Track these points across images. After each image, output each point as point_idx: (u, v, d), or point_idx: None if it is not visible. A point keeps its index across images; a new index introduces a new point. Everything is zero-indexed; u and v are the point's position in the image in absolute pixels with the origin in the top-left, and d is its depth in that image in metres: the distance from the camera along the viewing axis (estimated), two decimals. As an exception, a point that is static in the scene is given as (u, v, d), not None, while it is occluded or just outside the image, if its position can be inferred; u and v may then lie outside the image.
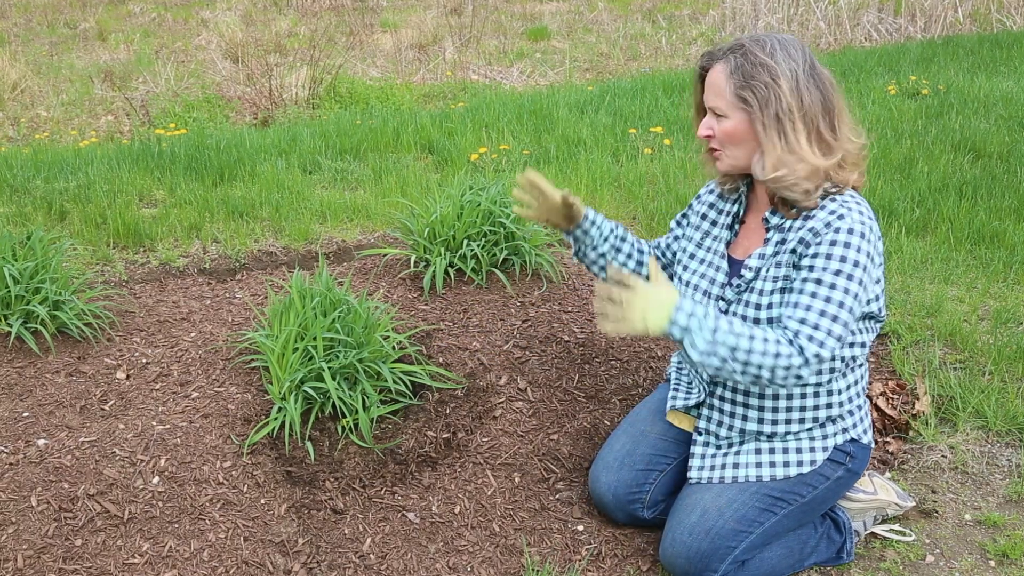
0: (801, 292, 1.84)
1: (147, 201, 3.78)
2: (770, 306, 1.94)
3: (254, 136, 4.90)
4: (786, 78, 1.85)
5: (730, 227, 2.10)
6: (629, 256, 2.26)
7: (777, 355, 1.79)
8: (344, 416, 2.33)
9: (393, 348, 2.49)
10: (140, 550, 1.97)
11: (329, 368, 2.29)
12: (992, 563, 2.12)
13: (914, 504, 2.27)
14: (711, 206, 2.14)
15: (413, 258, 3.01)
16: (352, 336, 2.37)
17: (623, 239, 2.25)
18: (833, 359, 1.92)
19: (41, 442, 2.20)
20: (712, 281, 2.07)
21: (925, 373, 2.74)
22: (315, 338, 2.31)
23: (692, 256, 2.14)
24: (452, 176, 4.05)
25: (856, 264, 1.83)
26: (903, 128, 4.87)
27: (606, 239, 2.23)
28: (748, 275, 2.00)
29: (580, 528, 2.18)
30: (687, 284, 2.11)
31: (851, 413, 2.04)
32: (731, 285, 2.03)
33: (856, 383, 2.04)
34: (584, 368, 2.63)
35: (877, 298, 1.94)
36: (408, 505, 2.19)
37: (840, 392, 2.00)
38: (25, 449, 2.18)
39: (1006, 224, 3.58)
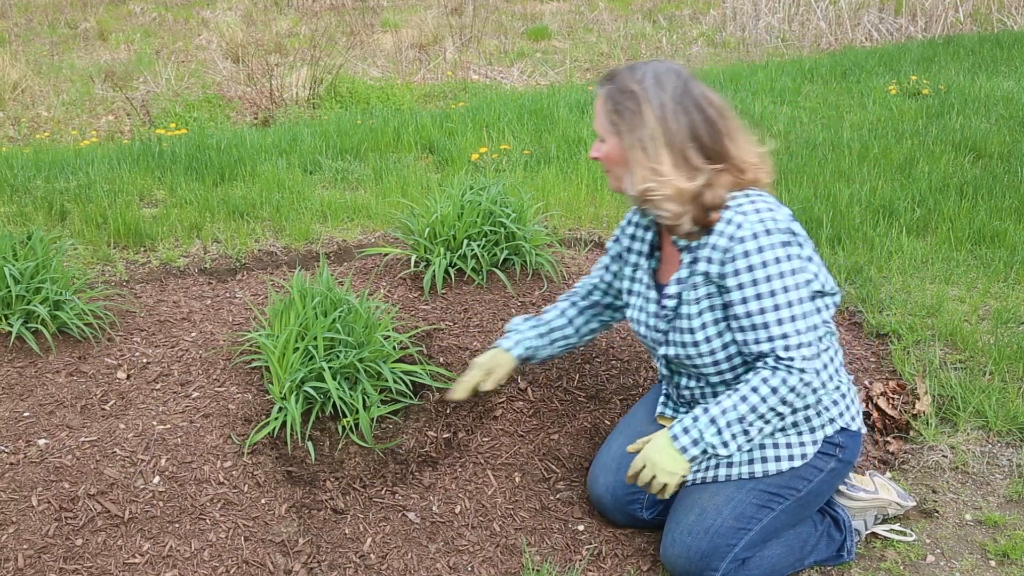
0: (749, 315, 1.87)
1: (148, 201, 3.78)
2: (703, 326, 1.96)
3: (255, 136, 4.90)
4: (651, 105, 1.89)
5: (649, 255, 2.12)
6: (576, 342, 2.36)
7: (774, 390, 1.85)
8: (344, 416, 2.33)
9: (394, 348, 2.49)
10: (141, 550, 1.97)
11: (330, 368, 2.29)
12: (992, 563, 2.12)
13: (915, 504, 2.27)
14: (632, 238, 2.17)
15: (413, 258, 3.01)
16: (353, 336, 2.37)
17: (565, 338, 2.33)
18: (823, 347, 1.97)
19: (42, 442, 2.20)
20: (647, 312, 2.10)
21: (926, 373, 2.74)
22: (316, 338, 2.31)
23: (629, 292, 2.17)
24: (453, 176, 4.05)
25: (778, 261, 1.85)
26: (904, 128, 4.87)
27: (552, 355, 2.36)
28: (670, 303, 2.03)
29: (581, 528, 2.18)
30: (631, 320, 2.16)
31: (835, 403, 2.03)
32: (659, 315, 2.06)
33: (825, 367, 2.00)
34: (584, 368, 2.63)
35: (815, 276, 1.95)
36: (408, 505, 2.19)
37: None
38: (26, 449, 2.18)
39: (1007, 224, 3.58)
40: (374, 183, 4.05)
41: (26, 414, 2.30)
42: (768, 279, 1.84)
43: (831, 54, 7.48)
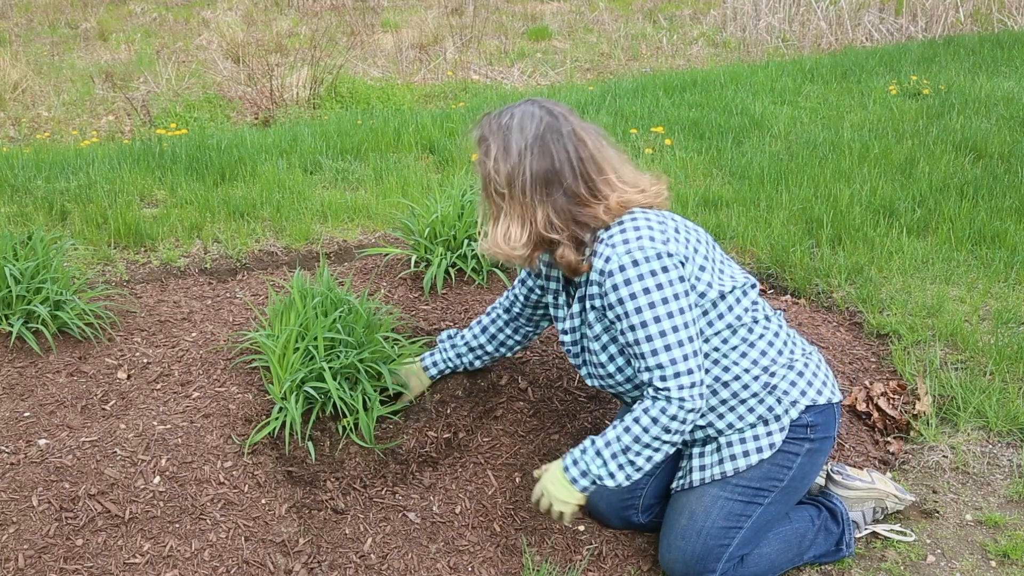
0: (629, 345, 1.88)
1: (148, 201, 3.78)
2: (612, 358, 1.97)
3: (255, 136, 4.91)
4: (509, 153, 1.88)
5: (566, 284, 2.13)
6: (502, 355, 2.45)
7: (655, 420, 1.85)
8: (345, 416, 2.33)
9: (394, 348, 2.49)
10: (141, 550, 1.97)
11: (330, 368, 2.29)
12: (993, 563, 2.12)
13: (913, 499, 2.27)
14: (548, 265, 2.16)
15: (414, 258, 3.01)
16: (353, 336, 2.37)
17: (487, 353, 2.43)
18: (704, 373, 1.91)
19: (42, 442, 2.20)
20: (572, 342, 2.11)
21: (926, 373, 2.74)
22: (316, 338, 2.31)
23: (556, 318, 2.17)
24: (453, 176, 4.05)
25: (647, 291, 1.82)
26: (904, 128, 4.87)
27: (478, 367, 2.47)
28: (567, 339, 2.07)
29: (581, 528, 2.18)
30: (563, 345, 2.16)
31: (792, 384, 2.00)
32: (569, 352, 2.10)
33: (764, 355, 1.99)
34: (585, 368, 2.63)
35: (710, 285, 1.92)
36: (409, 505, 2.19)
37: (748, 371, 1.98)
38: (26, 449, 2.18)
39: (1007, 224, 3.58)
40: (374, 183, 4.05)
41: (26, 414, 2.30)
42: (638, 311, 1.82)
43: (831, 54, 7.47)
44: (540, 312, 2.34)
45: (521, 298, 2.32)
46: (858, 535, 2.20)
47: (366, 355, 2.35)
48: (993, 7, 8.84)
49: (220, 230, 3.44)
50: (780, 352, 2.01)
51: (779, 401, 1.99)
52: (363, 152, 4.52)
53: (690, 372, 1.84)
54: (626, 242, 1.85)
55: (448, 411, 2.46)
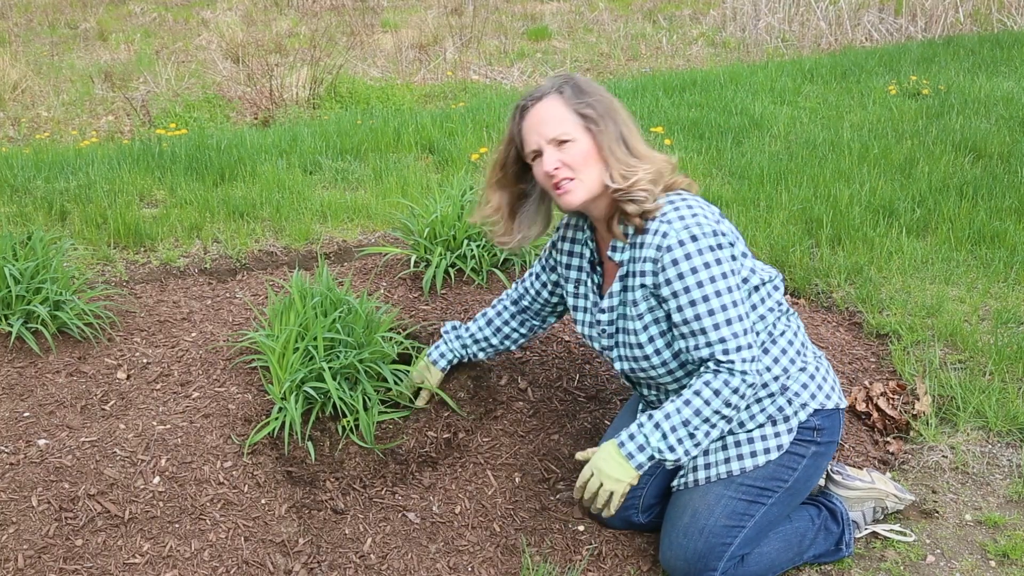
0: (687, 322, 1.88)
1: (148, 201, 3.78)
2: (651, 339, 1.98)
3: (255, 136, 4.90)
4: (613, 99, 2.00)
5: (591, 272, 2.13)
6: (506, 347, 2.42)
7: (717, 392, 1.85)
8: (345, 416, 2.33)
9: (394, 348, 2.49)
10: (141, 550, 1.97)
11: (330, 368, 2.29)
12: (993, 563, 2.12)
13: (913, 499, 2.27)
14: (569, 254, 2.18)
15: (413, 258, 3.01)
16: (353, 336, 2.37)
17: (491, 346, 2.42)
18: (761, 346, 1.97)
19: (42, 442, 2.20)
20: (594, 327, 2.11)
21: (926, 373, 2.74)
22: (316, 338, 2.31)
23: (575, 308, 2.17)
24: (453, 176, 4.04)
25: (707, 266, 1.85)
26: (904, 128, 4.87)
27: (482, 359, 2.47)
28: (603, 318, 2.06)
29: (581, 528, 2.18)
30: (583, 336, 2.17)
31: (804, 386, 2.02)
32: (601, 332, 2.09)
33: (784, 353, 2.01)
34: (584, 368, 2.63)
35: (752, 271, 1.98)
36: (409, 505, 2.19)
37: (769, 369, 1.99)
38: (26, 449, 2.18)
39: (1007, 224, 3.58)
40: (374, 183, 4.05)
41: (26, 414, 2.30)
42: (699, 285, 1.85)
43: (831, 54, 7.47)
44: (548, 309, 2.35)
45: (532, 292, 2.33)
46: (858, 535, 2.20)
47: (366, 355, 2.35)
48: (993, 7, 8.84)
49: (220, 230, 3.44)
50: (798, 352, 2.04)
51: (790, 402, 2.00)
52: (363, 152, 4.52)
53: (750, 347, 1.86)
54: (682, 219, 1.89)
55: (448, 411, 2.46)
